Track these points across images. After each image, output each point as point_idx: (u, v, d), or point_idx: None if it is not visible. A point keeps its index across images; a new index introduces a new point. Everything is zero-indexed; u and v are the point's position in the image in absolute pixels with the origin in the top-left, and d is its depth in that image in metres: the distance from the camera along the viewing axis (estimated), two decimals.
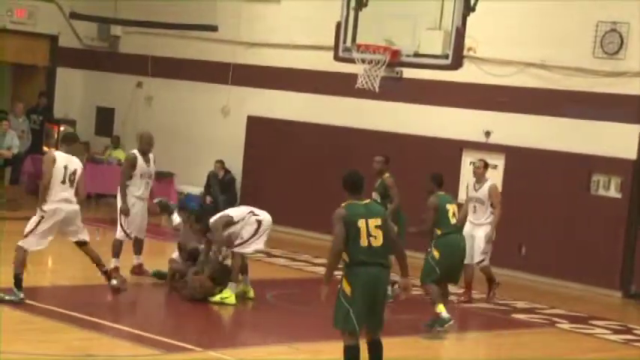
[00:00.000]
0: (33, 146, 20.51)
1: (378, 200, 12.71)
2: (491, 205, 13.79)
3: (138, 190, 12.95)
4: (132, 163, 12.92)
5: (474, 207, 13.85)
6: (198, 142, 20.26)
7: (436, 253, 11.83)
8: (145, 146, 13.04)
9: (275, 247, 15.89)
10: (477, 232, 13.74)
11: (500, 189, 16.79)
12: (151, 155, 13.08)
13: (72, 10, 20.95)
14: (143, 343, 9.98)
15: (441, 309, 11.56)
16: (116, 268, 12.67)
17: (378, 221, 8.59)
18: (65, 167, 11.20)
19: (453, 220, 12.06)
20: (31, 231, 11.19)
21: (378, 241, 8.54)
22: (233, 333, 11.71)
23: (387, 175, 13.33)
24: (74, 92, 22.12)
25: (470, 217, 13.82)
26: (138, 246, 13.19)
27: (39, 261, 14.90)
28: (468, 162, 17.13)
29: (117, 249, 12.84)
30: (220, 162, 19.31)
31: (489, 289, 14.05)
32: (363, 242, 8.51)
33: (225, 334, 11.63)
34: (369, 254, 8.53)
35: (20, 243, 11.19)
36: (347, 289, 8.49)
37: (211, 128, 20.19)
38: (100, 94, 22.00)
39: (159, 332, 10.67)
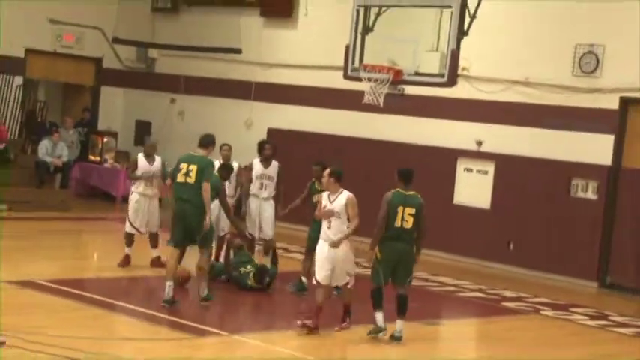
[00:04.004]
0: (80, 155, 20.62)
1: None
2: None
3: (138, 187, 13.08)
4: (134, 165, 13.18)
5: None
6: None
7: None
8: (149, 150, 13.27)
9: (292, 243, 15.90)
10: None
11: (490, 193, 16.94)
12: (157, 157, 13.22)
13: (114, 35, 20.99)
14: (176, 328, 9.99)
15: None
16: (126, 256, 12.92)
17: (413, 210, 10.04)
18: None
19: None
20: None
21: (408, 224, 10.01)
22: (258, 319, 11.61)
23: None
24: (116, 108, 22.17)
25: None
26: (153, 240, 13.16)
27: (86, 255, 15.01)
28: (462, 169, 17.11)
29: (127, 240, 13.00)
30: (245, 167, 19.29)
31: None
32: (397, 223, 9.99)
33: (251, 319, 11.57)
34: (399, 233, 10.01)
35: None
36: (379, 255, 10.06)
37: (236, 139, 19.93)
38: (138, 109, 22.03)
39: (190, 318, 10.70)
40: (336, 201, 10.12)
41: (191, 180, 10.88)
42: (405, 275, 10.16)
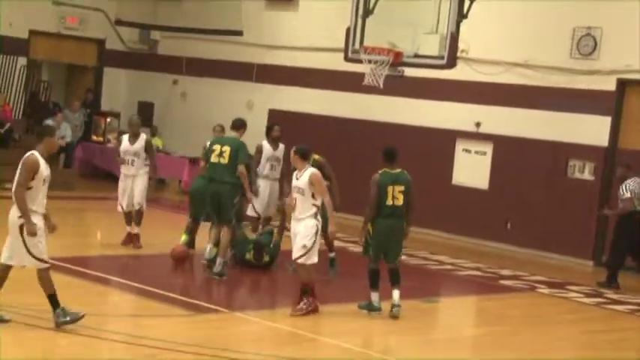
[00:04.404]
0: (84, 135, 20.60)
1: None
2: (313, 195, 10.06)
3: (122, 167, 13.10)
4: (119, 145, 13.18)
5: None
6: (226, 131, 20.19)
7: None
8: (135, 130, 13.06)
9: None
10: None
11: (488, 173, 16.98)
12: (142, 135, 13.10)
13: (117, 17, 20.95)
14: (177, 305, 10.00)
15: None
16: (129, 235, 12.95)
17: (402, 188, 10.17)
18: None
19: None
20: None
21: (399, 201, 10.15)
22: (259, 296, 11.65)
23: (316, 156, 11.56)
24: (119, 88, 22.15)
25: None
26: (136, 217, 13.02)
27: (89, 234, 15.00)
28: (461, 149, 17.10)
29: (125, 219, 13.04)
30: None
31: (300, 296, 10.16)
32: (389, 202, 10.10)
33: (252, 297, 11.60)
34: (391, 210, 10.13)
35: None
36: (371, 231, 10.16)
37: None
38: (141, 90, 22.01)
39: (192, 295, 10.71)
40: (302, 177, 9.95)
41: (224, 160, 11.38)
42: (396, 250, 10.28)
